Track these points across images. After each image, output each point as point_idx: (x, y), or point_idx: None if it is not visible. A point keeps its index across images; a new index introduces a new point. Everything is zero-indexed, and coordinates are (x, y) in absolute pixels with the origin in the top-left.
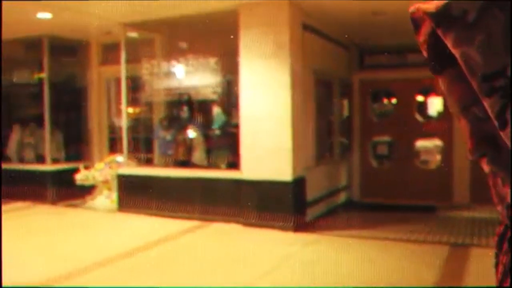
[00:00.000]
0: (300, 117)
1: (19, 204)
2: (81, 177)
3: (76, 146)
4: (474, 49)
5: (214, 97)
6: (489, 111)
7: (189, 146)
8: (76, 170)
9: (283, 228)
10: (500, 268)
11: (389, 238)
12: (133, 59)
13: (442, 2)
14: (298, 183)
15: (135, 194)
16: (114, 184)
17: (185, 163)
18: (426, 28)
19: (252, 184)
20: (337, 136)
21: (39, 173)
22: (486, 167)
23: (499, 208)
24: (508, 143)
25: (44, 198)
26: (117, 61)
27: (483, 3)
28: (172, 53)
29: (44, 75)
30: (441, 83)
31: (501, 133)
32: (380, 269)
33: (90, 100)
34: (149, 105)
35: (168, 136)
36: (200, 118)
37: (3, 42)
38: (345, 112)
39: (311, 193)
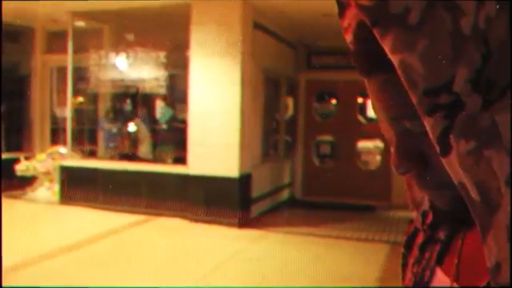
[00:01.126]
0: (249, 114)
1: None
2: (21, 168)
3: (17, 135)
4: (416, 57)
5: (161, 91)
6: (429, 132)
7: (134, 140)
8: (16, 161)
9: (229, 224)
10: (409, 275)
11: (331, 236)
12: (79, 49)
13: None
14: (245, 180)
15: (79, 187)
16: (56, 176)
17: (131, 157)
18: (352, 12)
19: (198, 180)
20: (282, 134)
21: None
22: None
23: (414, 213)
24: (451, 173)
25: None
26: (62, 50)
27: (428, 1)
28: (120, 44)
29: None
30: (368, 86)
31: (443, 160)
32: (325, 266)
33: (33, 89)
34: (94, 96)
35: (114, 129)
36: (147, 112)
37: None
38: (291, 111)
39: (256, 190)
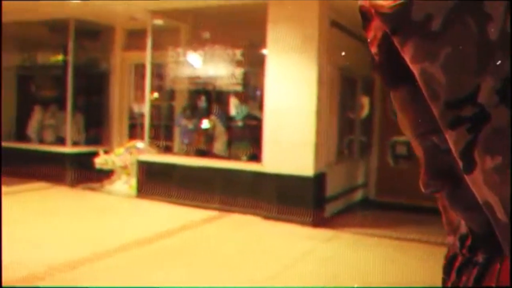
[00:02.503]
0: (324, 113)
1: (38, 185)
2: (100, 161)
3: (96, 130)
4: (438, 66)
5: (237, 88)
6: (452, 146)
7: (210, 136)
8: (95, 154)
9: (302, 223)
10: None
11: (405, 239)
12: (157, 47)
13: (398, 0)
14: (319, 179)
15: (155, 181)
16: (133, 170)
17: (206, 153)
18: (378, 24)
19: (272, 178)
20: (357, 134)
21: (59, 155)
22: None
23: (450, 239)
24: (476, 191)
25: (62, 180)
26: (140, 47)
27: (452, 7)
28: (197, 42)
29: (68, 57)
30: (393, 99)
31: (466, 177)
32: (397, 268)
33: (112, 85)
34: (171, 93)
35: (190, 125)
36: (222, 109)
37: (29, 23)
38: (366, 111)
39: (330, 190)
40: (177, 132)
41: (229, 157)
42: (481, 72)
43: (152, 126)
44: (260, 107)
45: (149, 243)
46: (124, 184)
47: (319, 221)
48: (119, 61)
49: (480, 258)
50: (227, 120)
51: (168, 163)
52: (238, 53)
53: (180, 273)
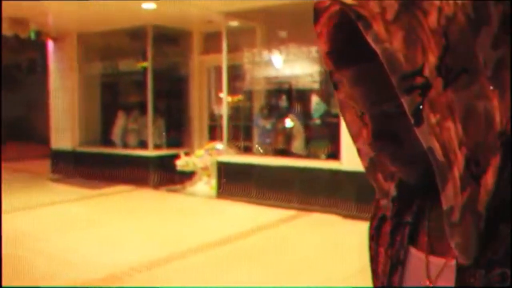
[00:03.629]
0: None
1: (123, 187)
2: (181, 163)
3: (176, 132)
4: (396, 46)
5: (314, 86)
6: (406, 108)
7: (288, 135)
8: (176, 156)
9: None
10: (383, 260)
11: None
12: (233, 48)
13: None
14: None
15: (234, 181)
16: (214, 171)
17: (284, 152)
18: (325, 19)
19: (352, 176)
20: None
21: (142, 158)
22: (365, 162)
23: (383, 202)
24: (423, 140)
25: (146, 182)
26: (217, 50)
27: (401, 4)
28: (273, 42)
29: (147, 63)
30: (341, 78)
31: (416, 130)
32: None
33: (191, 88)
34: (249, 94)
35: (268, 125)
36: (300, 107)
37: (109, 32)
38: None
39: None
40: (255, 132)
41: (307, 155)
42: (425, 52)
43: (232, 127)
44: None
45: (228, 243)
46: (205, 185)
47: None
48: (197, 64)
49: (408, 218)
50: (305, 118)
51: (247, 163)
52: (314, 50)
53: (258, 273)
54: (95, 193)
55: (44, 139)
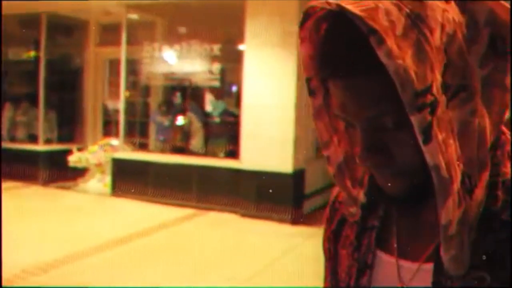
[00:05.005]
0: (303, 108)
1: (9, 184)
2: (74, 159)
3: (69, 127)
4: (408, 63)
5: (214, 84)
6: (415, 125)
7: (186, 133)
8: (68, 152)
9: (281, 220)
10: (348, 262)
11: None
12: (132, 42)
13: (367, 3)
14: (298, 175)
15: (130, 179)
16: (108, 168)
17: (182, 150)
18: (309, 25)
19: (251, 174)
20: None
21: (31, 153)
22: (333, 169)
23: (352, 209)
24: (429, 157)
25: (35, 178)
26: (114, 43)
27: (408, 19)
28: (173, 37)
29: (40, 53)
30: (340, 88)
31: (423, 147)
32: None
33: (85, 80)
34: (146, 89)
35: (166, 122)
36: (199, 105)
37: None
38: None
39: (309, 186)
40: (152, 129)
41: (206, 154)
42: (433, 70)
43: (127, 123)
44: (238, 103)
45: (126, 242)
46: (99, 182)
47: (298, 219)
48: (93, 56)
49: (375, 222)
50: (204, 116)
51: (143, 161)
52: (215, 48)
53: (159, 272)
54: None
55: None
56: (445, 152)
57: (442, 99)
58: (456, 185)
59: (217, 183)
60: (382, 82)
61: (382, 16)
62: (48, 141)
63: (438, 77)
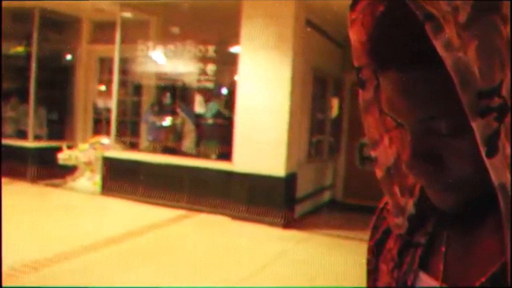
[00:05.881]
0: (297, 112)
1: None
2: (63, 157)
3: (59, 124)
4: (471, 57)
5: (208, 85)
6: (477, 133)
7: (178, 133)
8: (58, 149)
9: (272, 224)
10: (387, 280)
11: None
12: (125, 40)
13: None
14: (290, 179)
15: (120, 178)
16: (98, 166)
17: (174, 151)
18: (362, 6)
19: (243, 177)
20: (326, 135)
21: (20, 149)
22: (380, 172)
23: (398, 220)
24: (493, 174)
25: (23, 175)
26: (107, 41)
27: (476, 3)
28: (167, 37)
29: (31, 48)
30: (387, 82)
31: (487, 161)
32: None
33: (77, 78)
34: (138, 88)
35: (158, 122)
36: (192, 106)
37: None
38: (335, 112)
39: (300, 190)
40: (144, 128)
41: (198, 155)
42: (504, 68)
43: (118, 121)
44: (231, 105)
45: (115, 242)
46: (88, 181)
47: (289, 222)
48: (85, 54)
49: (422, 239)
50: (197, 117)
51: (134, 160)
52: (210, 49)
53: (148, 273)
54: None
55: None
56: None
57: None
58: None
59: (209, 184)
60: (439, 78)
61: (446, 1)
62: (37, 137)
63: (510, 77)
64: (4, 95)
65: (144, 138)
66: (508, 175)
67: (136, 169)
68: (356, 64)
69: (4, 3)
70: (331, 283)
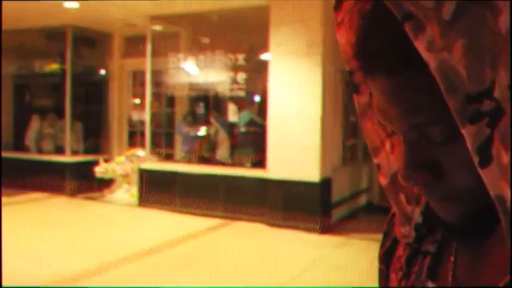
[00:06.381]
0: (329, 117)
1: (37, 195)
2: (100, 170)
3: (95, 138)
4: (457, 58)
5: (240, 94)
6: (468, 141)
7: (213, 143)
8: (95, 163)
9: (309, 230)
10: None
11: None
12: (156, 53)
13: None
14: (325, 184)
15: (157, 189)
16: (134, 178)
17: (209, 160)
18: (348, 6)
19: (278, 184)
20: (360, 138)
21: (58, 164)
22: (384, 180)
23: (404, 229)
24: (489, 185)
25: (62, 189)
26: (138, 54)
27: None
28: (198, 47)
29: (66, 65)
30: (378, 89)
31: (480, 171)
32: None
33: (110, 92)
34: (171, 100)
35: (192, 132)
36: (225, 115)
37: (25, 31)
38: None
39: (335, 195)
40: (178, 139)
41: (232, 164)
42: (495, 67)
43: (152, 133)
44: (264, 112)
45: (154, 253)
46: (125, 193)
47: (326, 228)
48: (118, 68)
49: (430, 247)
50: (230, 126)
51: (170, 171)
52: (240, 58)
53: (188, 283)
54: (7, 201)
55: None
56: None
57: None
58: None
59: (244, 192)
60: (430, 82)
61: None
62: (74, 152)
63: (505, 77)
64: (42, 112)
65: (179, 149)
66: (507, 187)
67: (172, 179)
68: (347, 67)
69: (38, 23)
70: None
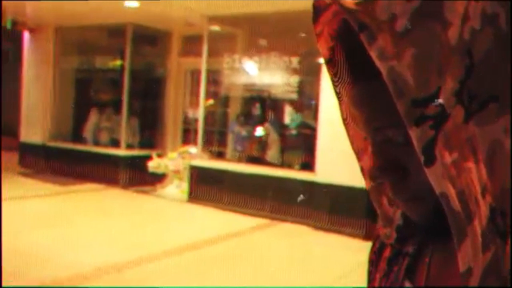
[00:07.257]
0: None
1: (92, 186)
2: (153, 165)
3: (150, 133)
4: (405, 66)
5: (292, 96)
6: (415, 142)
7: (263, 144)
8: (148, 157)
9: (353, 235)
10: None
11: None
12: (213, 53)
13: None
14: None
15: (206, 186)
16: (185, 175)
17: (259, 160)
18: (326, 18)
19: (325, 187)
20: None
21: (113, 157)
22: (368, 183)
23: (386, 231)
24: (434, 183)
25: (116, 181)
26: (196, 53)
27: (414, 10)
28: (253, 49)
29: (125, 62)
30: (346, 94)
31: (426, 170)
32: None
33: (167, 89)
34: (225, 99)
35: (243, 132)
36: (276, 117)
37: (88, 28)
38: None
39: None
40: (230, 138)
41: (281, 165)
42: (442, 74)
43: (205, 131)
44: (315, 116)
45: (198, 248)
46: (176, 189)
47: (370, 234)
48: (175, 67)
49: (410, 248)
50: (281, 128)
51: (220, 169)
52: (294, 60)
53: (227, 281)
54: (64, 190)
55: (12, 131)
56: (456, 178)
57: (457, 110)
58: (479, 223)
59: (292, 194)
60: (385, 89)
61: (382, 8)
62: (129, 146)
63: (451, 83)
64: (100, 106)
65: (230, 148)
66: (450, 185)
67: (222, 177)
68: (330, 76)
69: (99, 21)
70: None
